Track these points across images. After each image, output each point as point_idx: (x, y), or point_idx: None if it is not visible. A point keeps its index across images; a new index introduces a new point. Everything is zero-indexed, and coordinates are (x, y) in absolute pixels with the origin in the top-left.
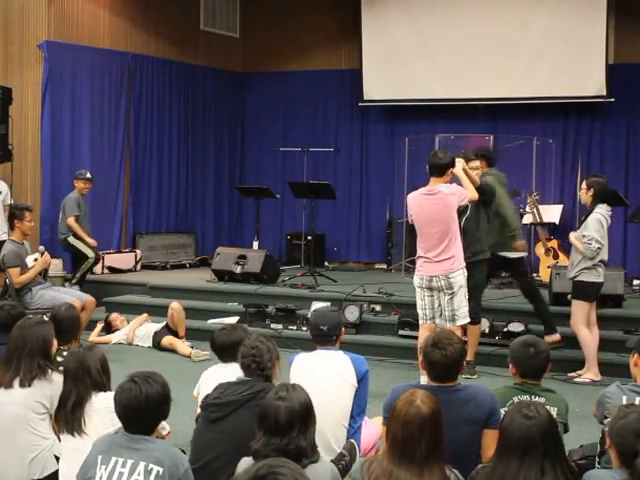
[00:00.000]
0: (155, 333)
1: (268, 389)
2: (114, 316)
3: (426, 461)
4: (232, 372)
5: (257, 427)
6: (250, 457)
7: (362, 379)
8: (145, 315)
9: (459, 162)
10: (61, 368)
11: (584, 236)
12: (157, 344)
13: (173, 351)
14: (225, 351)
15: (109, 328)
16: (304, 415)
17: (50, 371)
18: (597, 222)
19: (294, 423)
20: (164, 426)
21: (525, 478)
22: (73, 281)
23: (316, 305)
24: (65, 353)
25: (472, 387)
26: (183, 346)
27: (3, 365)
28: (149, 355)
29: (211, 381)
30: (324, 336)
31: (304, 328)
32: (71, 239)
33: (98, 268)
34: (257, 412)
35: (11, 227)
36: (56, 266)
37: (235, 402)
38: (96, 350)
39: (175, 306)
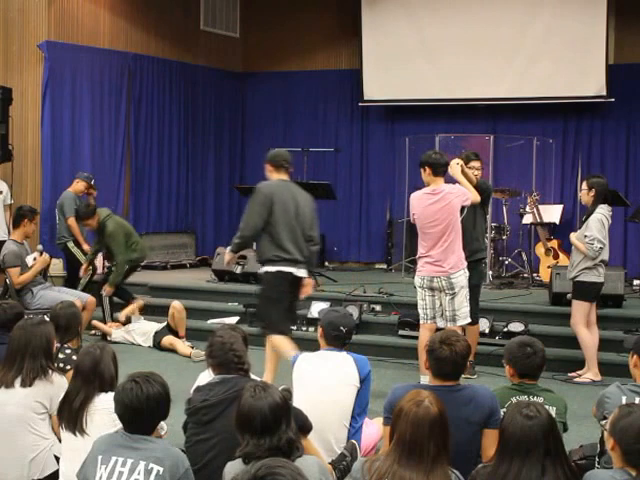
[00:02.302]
0: (156, 333)
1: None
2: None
3: (433, 462)
4: None
5: (241, 431)
6: (235, 461)
7: (365, 380)
8: (140, 302)
9: (457, 164)
10: (62, 365)
11: (586, 236)
12: (157, 344)
13: (173, 351)
14: None
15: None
16: (286, 408)
17: (51, 371)
18: (599, 222)
19: (280, 418)
20: (162, 426)
21: (526, 478)
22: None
23: (316, 305)
24: (68, 351)
25: (472, 387)
26: (183, 346)
27: (5, 364)
28: (149, 355)
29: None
30: (341, 338)
31: (304, 328)
32: (71, 245)
33: (99, 268)
34: (236, 417)
35: (15, 226)
36: (56, 266)
37: (224, 401)
38: (109, 349)
39: (176, 305)
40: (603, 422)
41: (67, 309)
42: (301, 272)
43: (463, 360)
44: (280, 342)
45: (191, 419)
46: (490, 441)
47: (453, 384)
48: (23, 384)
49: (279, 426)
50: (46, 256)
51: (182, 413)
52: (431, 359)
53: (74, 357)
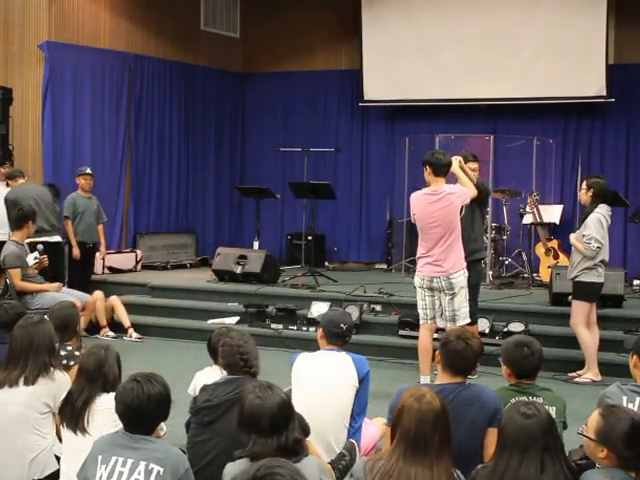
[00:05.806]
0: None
1: None
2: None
3: (437, 455)
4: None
5: (246, 432)
6: (236, 462)
7: (363, 380)
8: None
9: (456, 160)
10: (64, 362)
11: (584, 235)
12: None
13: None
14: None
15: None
16: (291, 407)
17: (53, 369)
18: (597, 222)
19: (288, 417)
20: (162, 427)
21: (525, 473)
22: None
23: (316, 305)
24: (69, 348)
25: (477, 386)
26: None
27: (8, 364)
28: (148, 355)
29: (207, 381)
30: (341, 335)
31: (304, 328)
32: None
33: (99, 268)
34: (241, 418)
35: (18, 228)
36: None
37: (226, 402)
38: (113, 350)
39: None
40: (580, 429)
41: (65, 309)
42: (54, 238)
43: (476, 357)
44: None
45: (193, 419)
46: (492, 439)
47: (461, 381)
48: (26, 382)
49: (287, 425)
50: (45, 261)
51: (182, 414)
52: (445, 351)
53: (76, 353)
